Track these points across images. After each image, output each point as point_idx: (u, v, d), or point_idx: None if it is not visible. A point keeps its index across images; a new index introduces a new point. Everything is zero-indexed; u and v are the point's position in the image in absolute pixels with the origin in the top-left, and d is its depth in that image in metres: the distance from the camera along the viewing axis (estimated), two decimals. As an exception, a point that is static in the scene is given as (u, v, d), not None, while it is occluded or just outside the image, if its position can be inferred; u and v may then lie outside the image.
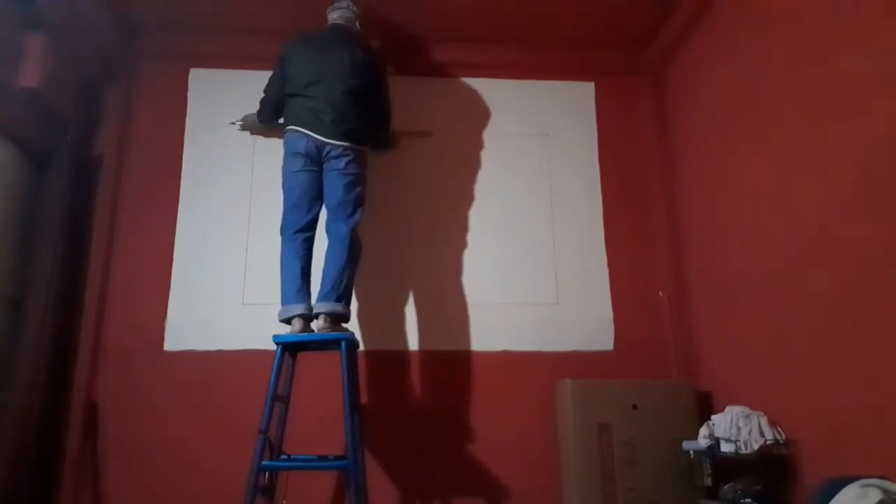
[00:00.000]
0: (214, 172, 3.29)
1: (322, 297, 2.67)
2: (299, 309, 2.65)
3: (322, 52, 2.91)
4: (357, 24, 3.09)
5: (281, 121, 2.98)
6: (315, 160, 2.81)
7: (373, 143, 3.02)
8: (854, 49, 2.12)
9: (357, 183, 2.84)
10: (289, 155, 2.85)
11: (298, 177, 2.81)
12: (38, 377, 2.80)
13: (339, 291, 2.67)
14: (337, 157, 2.80)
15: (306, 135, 2.80)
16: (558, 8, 3.25)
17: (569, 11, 3.28)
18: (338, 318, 2.67)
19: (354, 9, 3.08)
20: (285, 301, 2.69)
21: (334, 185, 2.80)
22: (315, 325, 2.67)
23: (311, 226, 2.82)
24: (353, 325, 2.99)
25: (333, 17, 3.06)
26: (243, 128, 3.31)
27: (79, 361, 2.97)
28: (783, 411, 2.41)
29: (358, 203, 2.84)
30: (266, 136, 3.28)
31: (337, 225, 2.79)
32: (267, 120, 3.12)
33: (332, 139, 2.79)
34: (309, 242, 2.80)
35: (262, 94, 3.07)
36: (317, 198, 2.83)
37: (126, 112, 3.33)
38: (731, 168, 2.84)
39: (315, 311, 2.66)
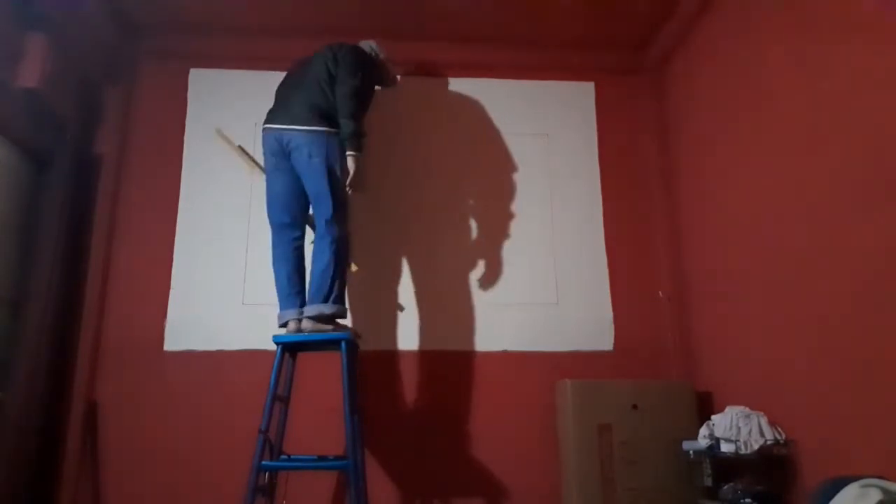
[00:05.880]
0: (214, 172, 3.29)
1: (309, 301, 2.65)
2: (291, 314, 2.68)
3: (314, 54, 2.90)
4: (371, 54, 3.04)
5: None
6: (282, 156, 2.74)
7: (340, 130, 2.76)
8: (855, 48, 2.12)
9: (326, 170, 2.68)
10: (264, 156, 2.84)
11: (271, 176, 2.79)
12: (38, 377, 2.80)
13: (325, 291, 2.61)
14: (298, 146, 2.70)
15: (269, 129, 2.76)
16: (558, 8, 3.25)
17: (569, 11, 3.28)
18: (325, 319, 2.62)
19: (376, 49, 3.05)
20: (280, 307, 2.72)
21: (305, 178, 2.72)
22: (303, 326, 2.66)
23: (293, 226, 2.78)
24: (352, 326, 2.99)
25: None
26: None
27: (79, 361, 2.97)
28: (783, 411, 2.41)
29: (334, 192, 2.68)
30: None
31: (319, 221, 2.72)
32: None
33: (291, 124, 2.71)
34: (297, 243, 2.77)
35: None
36: (294, 198, 2.77)
37: (126, 112, 3.33)
38: (732, 168, 2.84)
39: (304, 314, 2.65)
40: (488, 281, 3.28)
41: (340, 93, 2.74)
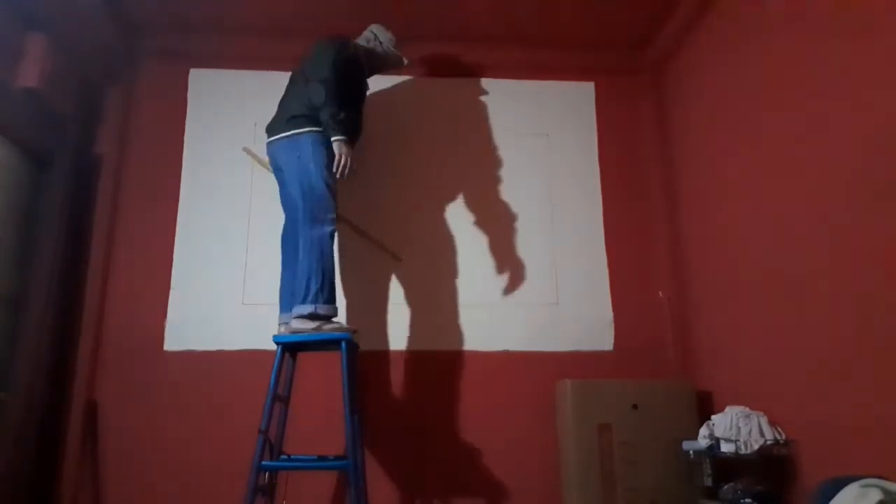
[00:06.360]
0: (214, 172, 3.29)
1: (292, 306, 2.64)
2: (281, 318, 2.75)
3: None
4: (367, 42, 3.03)
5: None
6: (278, 168, 2.84)
7: (318, 124, 2.69)
8: (854, 48, 2.12)
9: (299, 169, 2.66)
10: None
11: (280, 189, 2.89)
12: (38, 377, 2.80)
13: (302, 292, 2.57)
14: (278, 154, 2.78)
15: (267, 144, 2.85)
16: (558, 8, 3.25)
17: (569, 11, 3.28)
18: (306, 318, 2.56)
19: (376, 33, 3.04)
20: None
21: (286, 185, 2.80)
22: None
23: (295, 232, 2.80)
24: (350, 325, 2.99)
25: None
26: None
27: (79, 361, 2.97)
28: (783, 411, 2.41)
29: (305, 191, 2.63)
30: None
31: (297, 221, 2.74)
32: None
33: (272, 136, 2.79)
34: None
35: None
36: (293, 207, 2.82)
37: (126, 112, 3.33)
38: (732, 167, 2.84)
39: (282, 320, 2.73)
40: (488, 281, 3.27)
41: (309, 87, 2.70)
